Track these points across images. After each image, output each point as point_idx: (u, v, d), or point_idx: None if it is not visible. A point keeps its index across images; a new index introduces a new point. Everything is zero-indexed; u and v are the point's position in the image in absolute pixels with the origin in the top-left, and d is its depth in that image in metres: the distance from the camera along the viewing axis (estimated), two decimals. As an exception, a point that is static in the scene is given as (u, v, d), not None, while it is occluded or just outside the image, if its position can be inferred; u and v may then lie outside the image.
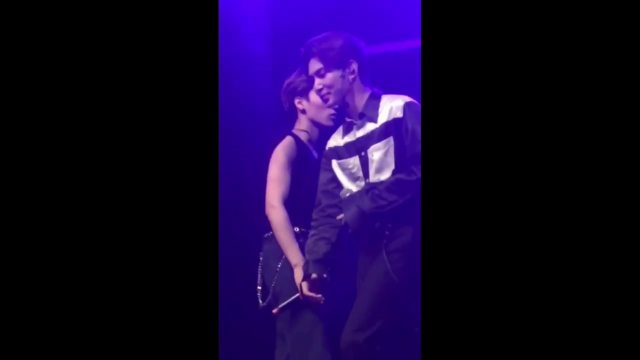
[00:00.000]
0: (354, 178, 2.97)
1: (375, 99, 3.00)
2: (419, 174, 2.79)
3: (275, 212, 3.05)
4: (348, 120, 3.03)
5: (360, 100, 3.00)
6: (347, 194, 2.93)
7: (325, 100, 3.02)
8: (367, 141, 2.95)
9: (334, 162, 3.02)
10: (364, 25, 3.74)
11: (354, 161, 2.97)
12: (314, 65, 3.01)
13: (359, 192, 2.90)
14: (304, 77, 3.16)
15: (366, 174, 2.94)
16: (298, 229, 3.09)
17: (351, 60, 2.99)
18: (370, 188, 2.87)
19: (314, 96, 3.15)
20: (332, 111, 3.15)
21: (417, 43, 3.57)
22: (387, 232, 2.86)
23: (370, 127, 2.95)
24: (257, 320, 3.69)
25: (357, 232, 2.91)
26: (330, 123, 3.18)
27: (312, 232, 3.01)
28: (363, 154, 2.95)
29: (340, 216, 2.92)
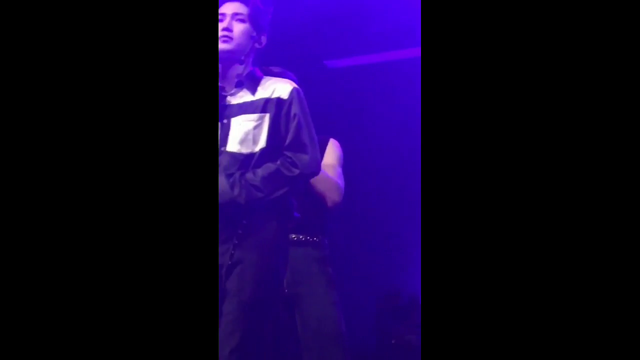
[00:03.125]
0: None
1: (257, 75, 2.82)
2: (301, 168, 2.66)
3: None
4: (220, 84, 2.80)
5: (240, 70, 2.79)
6: None
7: (223, 41, 2.74)
8: (237, 110, 2.75)
9: None
10: (364, 32, 3.76)
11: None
12: (238, 7, 2.80)
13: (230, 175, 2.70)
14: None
15: (224, 143, 2.73)
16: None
17: (265, 34, 2.84)
18: (242, 174, 2.66)
19: None
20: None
21: (417, 52, 3.58)
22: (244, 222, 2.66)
23: (245, 98, 2.76)
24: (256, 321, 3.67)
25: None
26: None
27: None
28: (225, 121, 2.74)
29: None
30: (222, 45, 2.71)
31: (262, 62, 2.94)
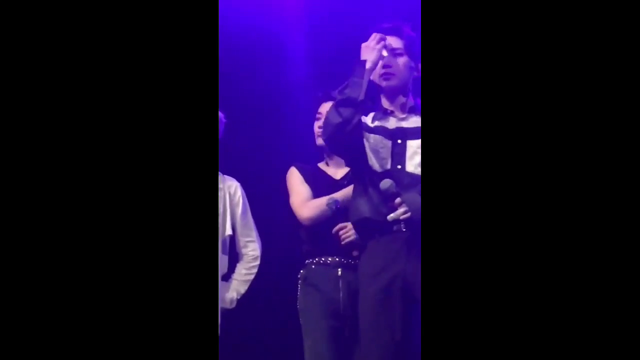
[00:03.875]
0: (379, 159, 2.87)
1: (418, 102, 2.96)
2: None
3: (302, 209, 3.14)
4: (389, 109, 2.93)
5: (404, 100, 2.93)
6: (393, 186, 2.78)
7: (385, 79, 2.91)
8: (412, 134, 2.88)
9: (366, 134, 2.88)
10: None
11: (386, 144, 2.88)
12: (394, 42, 2.90)
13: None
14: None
15: (400, 161, 2.85)
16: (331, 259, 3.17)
17: (419, 62, 2.94)
18: None
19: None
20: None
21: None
22: None
23: (417, 122, 2.88)
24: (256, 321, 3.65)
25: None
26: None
27: None
28: (400, 141, 2.88)
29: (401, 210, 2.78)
30: (385, 82, 2.88)
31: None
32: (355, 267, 3.03)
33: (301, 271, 3.26)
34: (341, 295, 3.11)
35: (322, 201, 3.16)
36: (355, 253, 3.03)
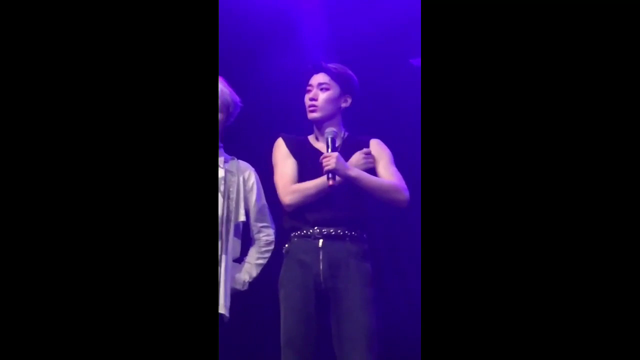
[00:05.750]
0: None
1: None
2: None
3: (288, 196, 3.17)
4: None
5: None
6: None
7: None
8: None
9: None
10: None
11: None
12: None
13: None
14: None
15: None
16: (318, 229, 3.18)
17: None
18: None
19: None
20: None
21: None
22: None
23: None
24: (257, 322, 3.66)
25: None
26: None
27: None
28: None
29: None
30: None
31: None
32: (336, 237, 3.12)
33: (285, 245, 3.27)
34: (321, 267, 3.12)
35: (303, 186, 3.18)
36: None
